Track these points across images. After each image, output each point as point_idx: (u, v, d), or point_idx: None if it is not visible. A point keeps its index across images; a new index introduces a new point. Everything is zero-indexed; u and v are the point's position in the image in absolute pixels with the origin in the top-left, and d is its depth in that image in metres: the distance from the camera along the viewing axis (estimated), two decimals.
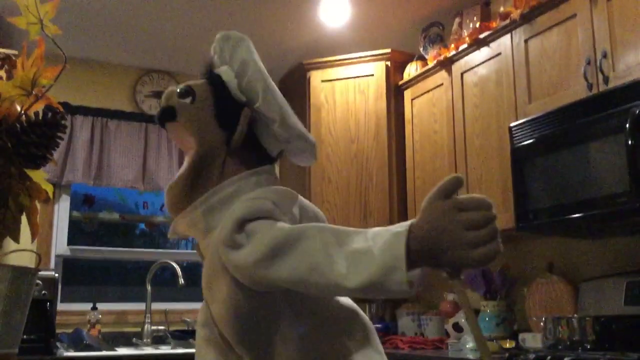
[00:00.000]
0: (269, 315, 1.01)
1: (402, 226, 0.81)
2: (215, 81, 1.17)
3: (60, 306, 3.38)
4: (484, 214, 0.78)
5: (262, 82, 1.14)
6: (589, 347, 2.49)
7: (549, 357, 2.31)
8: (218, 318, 1.03)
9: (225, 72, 1.17)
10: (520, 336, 2.77)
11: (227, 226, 0.95)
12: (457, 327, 3.05)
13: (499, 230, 0.80)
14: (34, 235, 0.90)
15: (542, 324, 2.67)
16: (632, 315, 2.38)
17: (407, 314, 3.47)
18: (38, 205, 1.38)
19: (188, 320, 3.70)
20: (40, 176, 1.15)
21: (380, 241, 0.81)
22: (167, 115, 1.17)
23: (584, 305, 2.62)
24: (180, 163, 3.90)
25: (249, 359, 1.02)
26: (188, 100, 1.16)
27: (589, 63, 2.37)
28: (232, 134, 1.12)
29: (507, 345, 2.72)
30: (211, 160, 1.12)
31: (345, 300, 1.13)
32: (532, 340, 2.71)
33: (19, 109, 1.14)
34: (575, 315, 2.56)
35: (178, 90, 1.18)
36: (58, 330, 3.17)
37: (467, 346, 2.88)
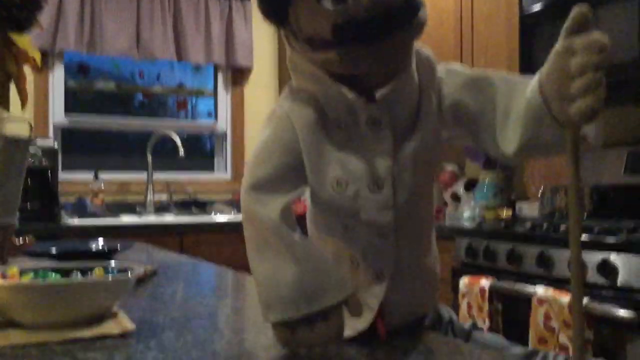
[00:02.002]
0: None
1: (535, 78, 0.73)
2: None
3: (62, 176, 3.40)
4: (587, 59, 0.65)
5: None
6: (585, 216, 2.54)
7: (545, 225, 2.36)
8: None
9: None
10: (518, 205, 2.82)
11: None
12: (455, 197, 3.09)
13: (603, 81, 0.65)
14: (23, 102, 0.86)
15: (540, 193, 2.71)
16: (630, 185, 2.40)
17: None
18: (27, 72, 1.33)
19: (190, 190, 3.74)
20: (26, 42, 1.09)
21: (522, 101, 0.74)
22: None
23: (584, 175, 2.64)
24: (175, 30, 3.74)
25: None
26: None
27: None
28: None
29: (504, 214, 2.77)
30: None
31: None
32: (529, 209, 2.76)
33: None
34: None
35: None
36: (61, 200, 3.21)
37: (465, 215, 2.93)
